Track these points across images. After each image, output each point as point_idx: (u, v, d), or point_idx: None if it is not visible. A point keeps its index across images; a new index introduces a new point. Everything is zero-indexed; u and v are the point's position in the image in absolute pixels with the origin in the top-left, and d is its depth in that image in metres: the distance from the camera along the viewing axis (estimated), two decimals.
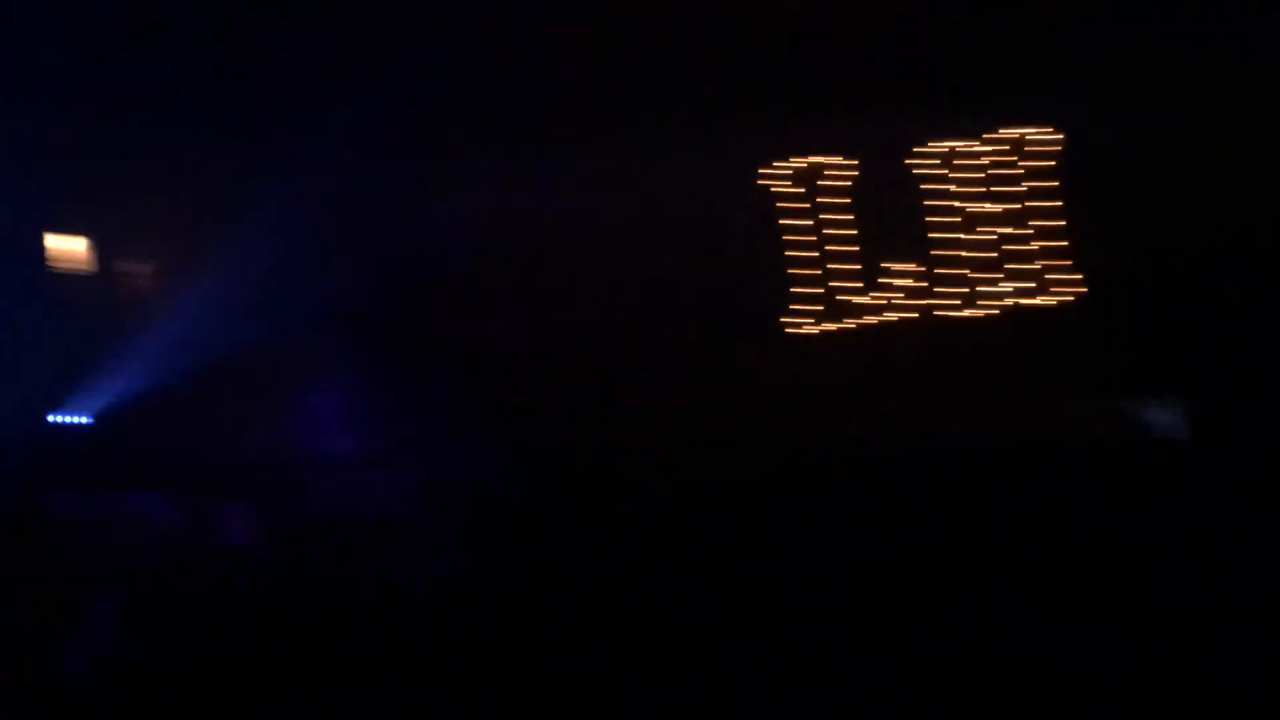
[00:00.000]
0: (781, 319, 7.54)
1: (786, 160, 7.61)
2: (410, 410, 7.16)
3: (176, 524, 5.47)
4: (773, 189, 7.65)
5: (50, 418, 7.19)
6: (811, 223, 7.61)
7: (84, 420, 7.17)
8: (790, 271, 7.59)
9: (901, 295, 7.48)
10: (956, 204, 7.43)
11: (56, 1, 5.72)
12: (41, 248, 7.32)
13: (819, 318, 7.54)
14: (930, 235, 7.44)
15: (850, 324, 7.52)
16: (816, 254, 7.58)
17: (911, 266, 7.45)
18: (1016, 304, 7.27)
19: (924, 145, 7.44)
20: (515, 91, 6.99)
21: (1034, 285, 7.26)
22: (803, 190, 7.62)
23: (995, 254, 7.35)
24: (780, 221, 7.63)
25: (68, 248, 7.42)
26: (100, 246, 7.53)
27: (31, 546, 1.55)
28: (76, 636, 1.68)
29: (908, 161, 7.43)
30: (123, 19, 5.94)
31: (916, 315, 7.45)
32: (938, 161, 7.46)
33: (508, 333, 7.45)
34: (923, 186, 7.45)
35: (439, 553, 4.10)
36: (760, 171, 7.62)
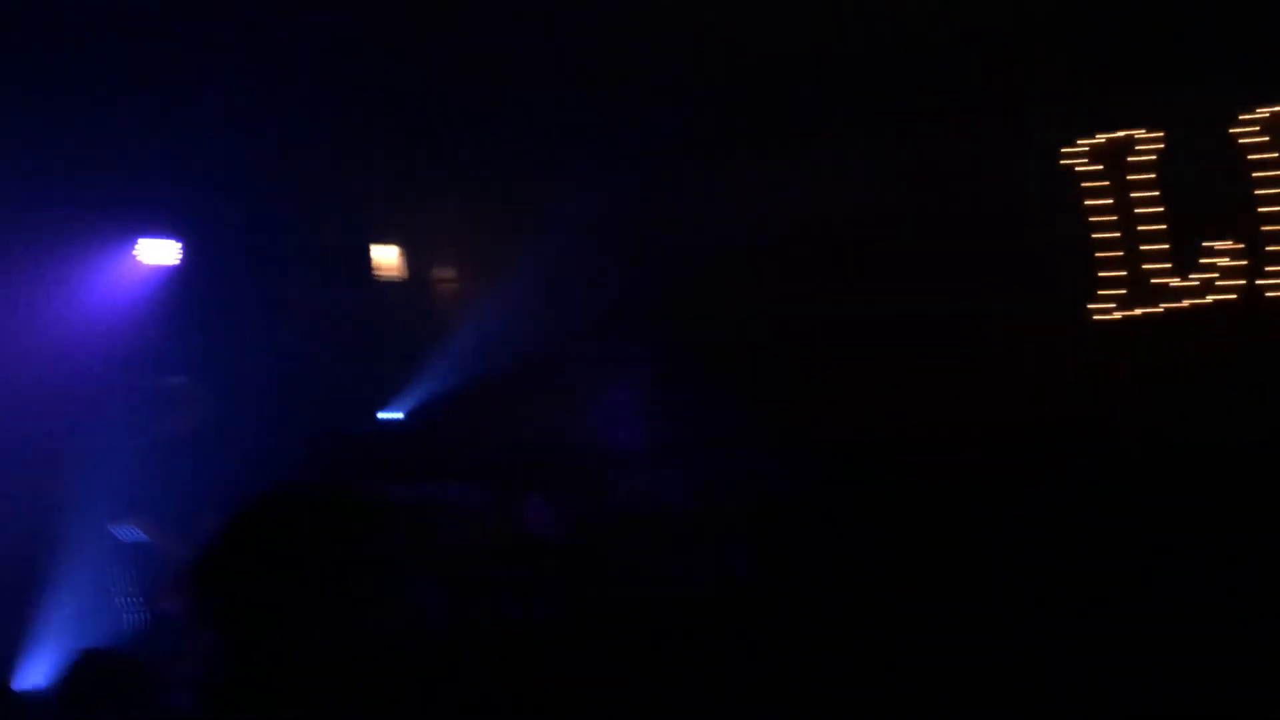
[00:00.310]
0: (1089, 305, 7.16)
1: (1092, 136, 7.20)
2: (703, 405, 7.27)
3: (487, 512, 5.84)
4: (1076, 168, 7.25)
5: (380, 414, 7.84)
6: (1120, 202, 7.15)
7: (408, 417, 7.78)
8: (1097, 254, 7.17)
9: (1223, 276, 6.92)
10: None
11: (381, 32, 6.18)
12: (369, 258, 7.99)
13: (1129, 302, 7.10)
14: (1257, 210, 6.83)
15: (1165, 308, 7.03)
16: (1126, 235, 7.12)
17: (1235, 245, 6.87)
18: None
19: (1247, 112, 6.83)
20: (807, 81, 6.96)
21: None
22: (1109, 168, 7.18)
23: None
24: (1086, 202, 7.23)
25: (390, 257, 8.06)
26: (416, 256, 8.13)
27: (364, 533, 1.74)
28: (399, 613, 1.86)
29: (1231, 130, 6.85)
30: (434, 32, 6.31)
31: (1240, 297, 6.86)
32: (1264, 129, 6.83)
33: (804, 326, 7.40)
34: (1247, 157, 6.84)
35: (728, 546, 4.17)
36: (1062, 150, 7.25)
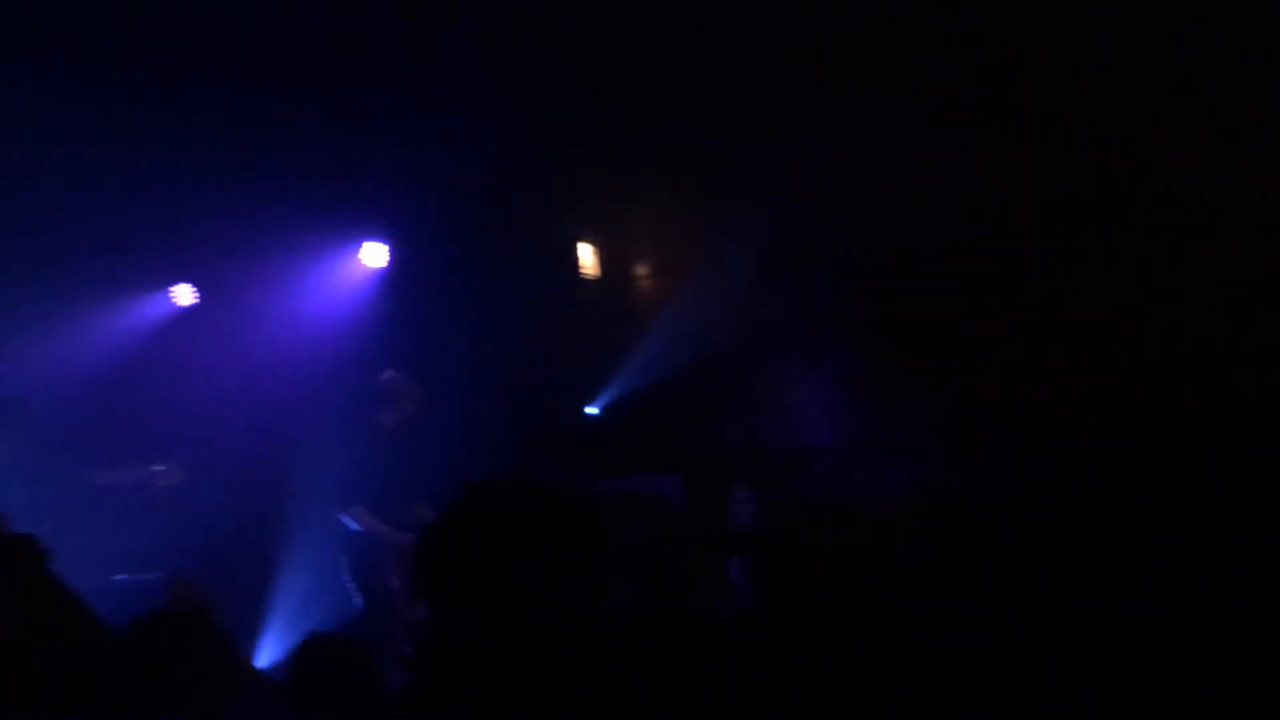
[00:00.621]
0: None
1: None
2: (900, 403, 7.10)
3: (687, 505, 5.88)
4: None
5: (587, 409, 8.02)
6: None
7: (610, 411, 7.91)
8: None
9: None
10: None
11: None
12: (571, 257, 8.16)
13: None
14: None
15: None
16: None
17: None
18: None
19: None
20: (1024, 64, 6.65)
21: None
22: None
23: None
24: None
25: (590, 256, 8.21)
26: (616, 254, 8.25)
27: (570, 525, 1.78)
28: (602, 603, 1.91)
29: None
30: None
31: None
32: None
33: (1027, 319, 7.08)
34: None
35: (921, 547, 4.07)
36: None
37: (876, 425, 7.15)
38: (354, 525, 6.23)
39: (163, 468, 6.47)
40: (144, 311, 7.55)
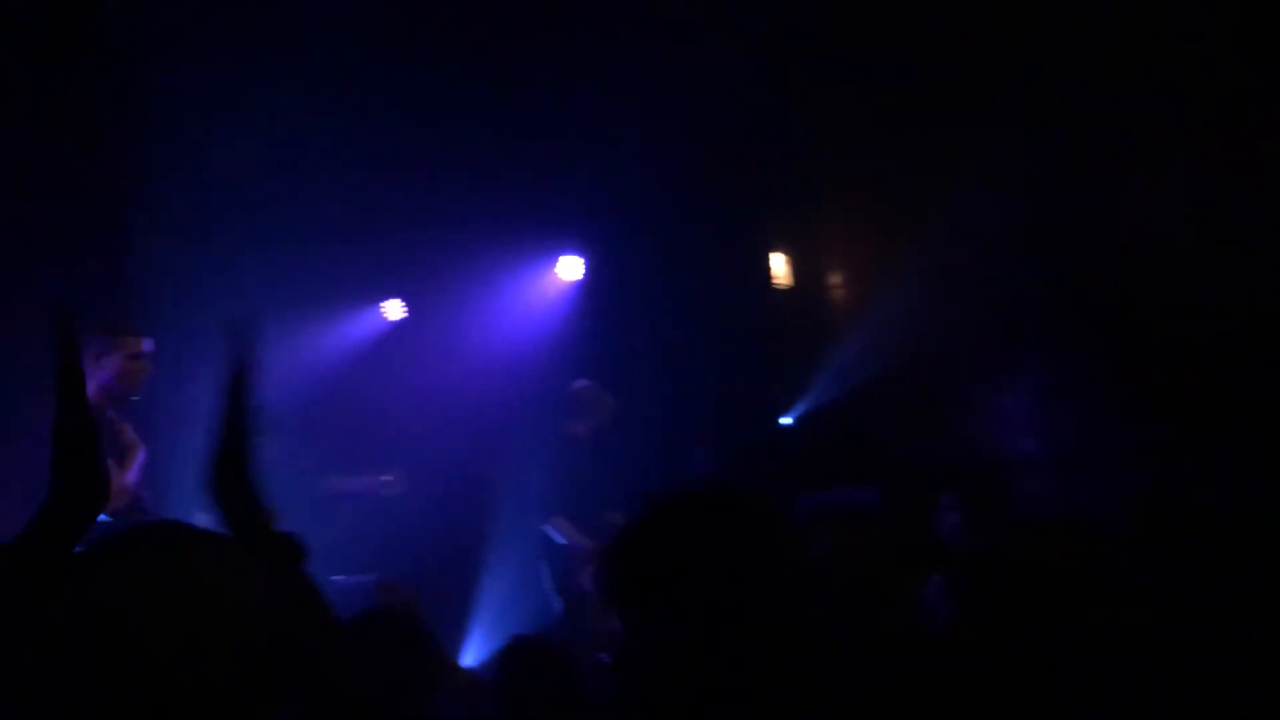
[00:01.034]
0: None
1: None
2: (1110, 410, 6.79)
3: (881, 518, 5.76)
4: None
5: (781, 420, 8.00)
6: None
7: (804, 422, 7.87)
8: None
9: None
10: None
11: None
12: (769, 268, 8.17)
13: None
14: None
15: None
16: None
17: None
18: None
19: None
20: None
21: None
22: None
23: None
24: None
25: (784, 264, 8.20)
26: (810, 261, 8.21)
27: (767, 537, 1.79)
28: (802, 617, 1.90)
29: None
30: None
31: None
32: None
33: (1246, 323, 6.64)
34: None
35: (1138, 563, 3.87)
36: None
37: (1085, 434, 6.86)
38: (558, 537, 6.37)
39: (390, 477, 6.83)
40: (361, 324, 7.98)
